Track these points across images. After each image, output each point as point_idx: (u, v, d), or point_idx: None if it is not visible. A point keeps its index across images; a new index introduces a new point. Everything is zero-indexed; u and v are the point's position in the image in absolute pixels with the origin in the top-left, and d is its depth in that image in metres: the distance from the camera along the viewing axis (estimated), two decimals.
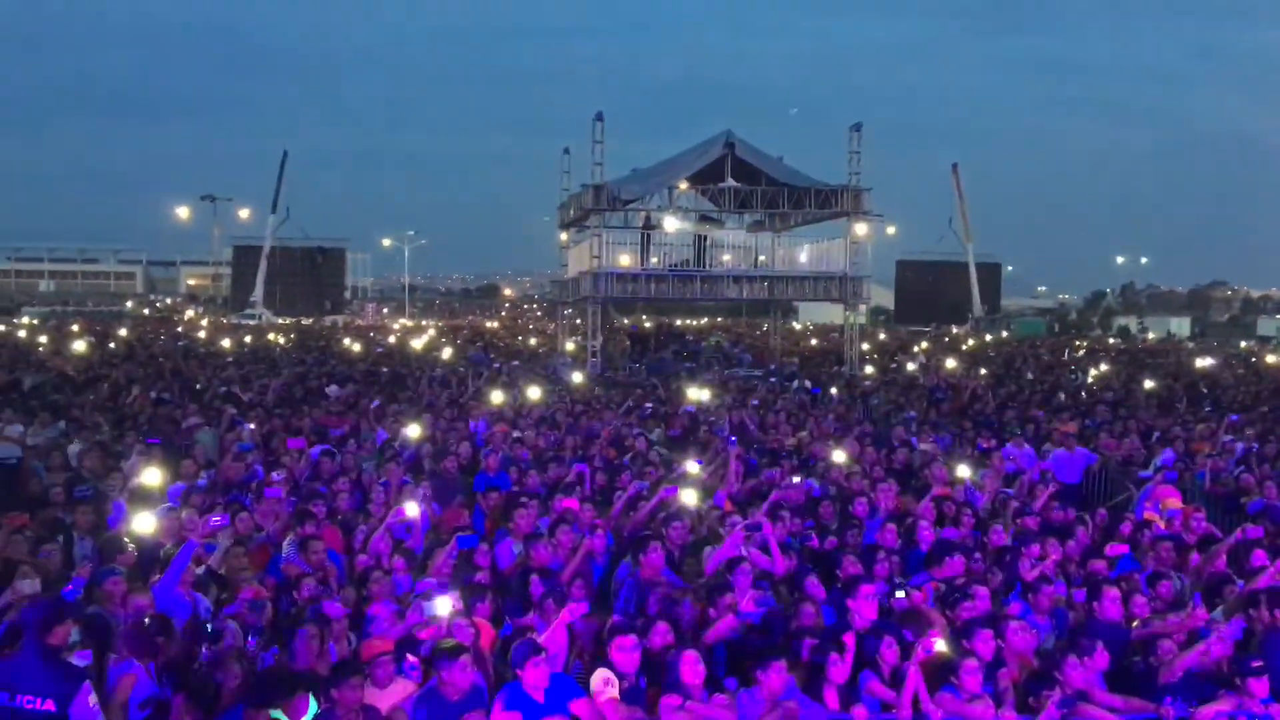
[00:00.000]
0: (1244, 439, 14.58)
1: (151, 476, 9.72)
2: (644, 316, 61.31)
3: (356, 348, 33.96)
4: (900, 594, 7.08)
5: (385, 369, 24.91)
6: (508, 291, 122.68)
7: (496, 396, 17.14)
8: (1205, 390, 22.94)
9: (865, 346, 33.87)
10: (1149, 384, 22.95)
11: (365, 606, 7.01)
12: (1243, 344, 51.01)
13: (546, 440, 13.52)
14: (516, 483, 10.69)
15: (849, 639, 6.19)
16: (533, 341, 41.60)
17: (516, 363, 29.46)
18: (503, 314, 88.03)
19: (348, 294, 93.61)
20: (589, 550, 8.18)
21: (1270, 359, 36.28)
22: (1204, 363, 31.56)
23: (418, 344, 36.38)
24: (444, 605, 6.43)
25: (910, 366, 28.52)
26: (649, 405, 17.51)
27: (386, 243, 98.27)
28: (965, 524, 9.45)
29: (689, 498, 9.23)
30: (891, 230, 74.46)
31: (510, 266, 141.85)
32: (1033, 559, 8.21)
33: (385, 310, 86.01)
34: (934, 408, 18.34)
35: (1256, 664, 6.10)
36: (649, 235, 28.25)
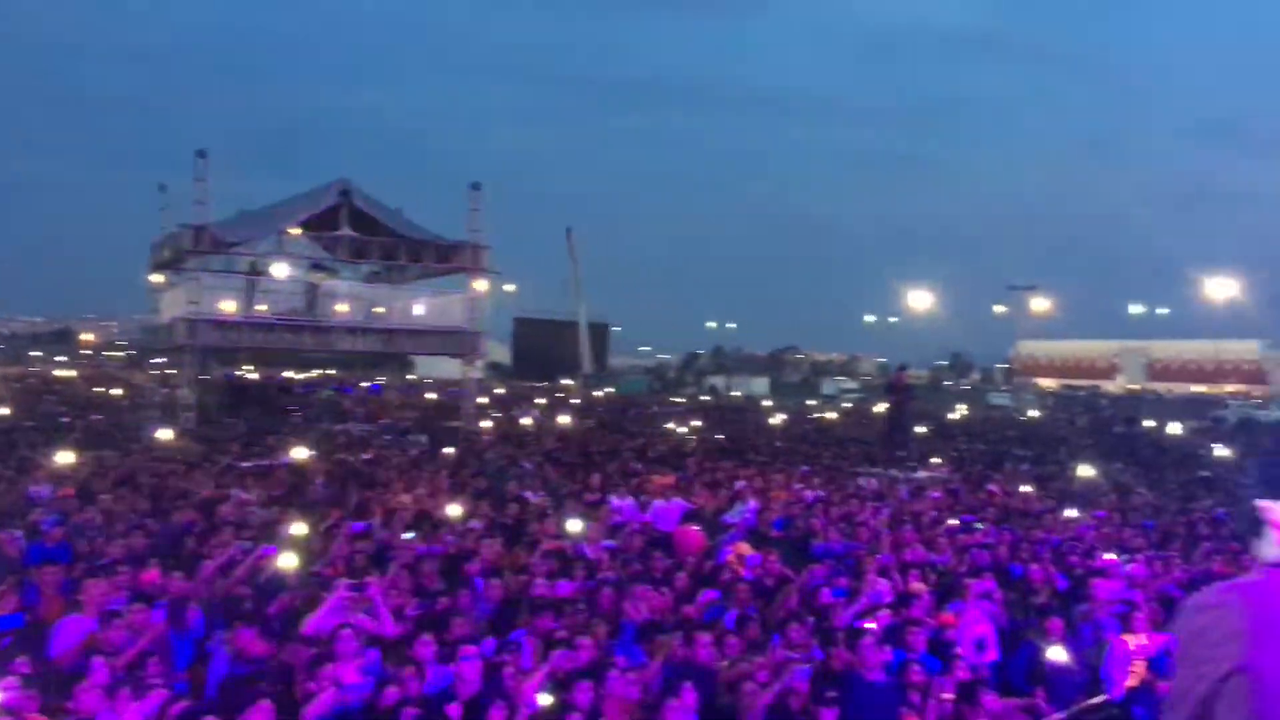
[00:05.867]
0: (813, 487, 16.40)
1: None
2: (248, 367, 57.50)
3: None
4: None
5: None
6: (87, 336, 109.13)
7: (65, 457, 15.15)
8: (779, 443, 25.63)
9: (483, 401, 34.16)
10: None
11: None
12: (809, 402, 57.69)
13: (127, 504, 12.13)
14: (83, 554, 9.44)
15: (453, 710, 6.08)
16: (117, 393, 37.43)
17: (98, 417, 26.32)
18: (81, 361, 78.54)
19: None
20: (162, 628, 7.38)
21: (831, 415, 41.40)
22: (776, 419, 35.34)
23: None
24: None
25: (525, 421, 29.15)
26: (251, 463, 16.37)
27: None
28: (578, 576, 9.70)
29: (289, 561, 8.67)
30: (511, 288, 76.31)
31: (91, 309, 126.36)
32: (642, 601, 8.57)
33: None
34: (550, 462, 18.80)
35: (830, 694, 6.77)
36: (255, 281, 26.70)
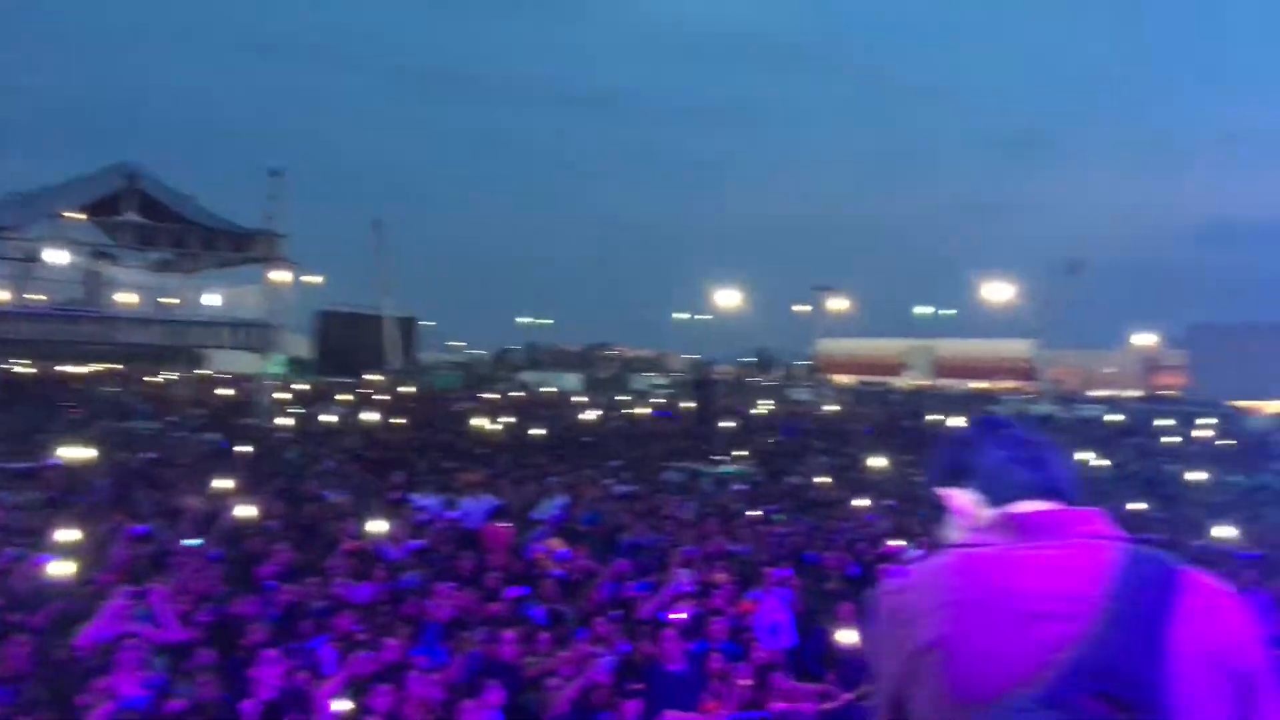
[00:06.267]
0: (622, 482, 16.62)
1: None
2: (21, 361, 52.88)
3: None
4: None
5: None
6: None
7: None
8: (590, 439, 25.85)
9: (286, 396, 32.71)
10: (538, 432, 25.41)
11: None
12: (620, 398, 58.39)
13: None
14: None
15: (249, 706, 5.82)
16: None
17: None
18: None
19: None
20: None
21: (642, 411, 42.05)
22: (588, 415, 35.64)
23: None
24: None
25: (328, 418, 28.14)
26: (19, 464, 15.10)
27: None
28: (378, 577, 9.44)
29: (61, 568, 8.06)
30: (317, 280, 73.40)
31: None
32: (445, 599, 8.43)
33: None
34: (354, 460, 18.25)
35: (633, 686, 6.86)
36: (29, 268, 24.63)
